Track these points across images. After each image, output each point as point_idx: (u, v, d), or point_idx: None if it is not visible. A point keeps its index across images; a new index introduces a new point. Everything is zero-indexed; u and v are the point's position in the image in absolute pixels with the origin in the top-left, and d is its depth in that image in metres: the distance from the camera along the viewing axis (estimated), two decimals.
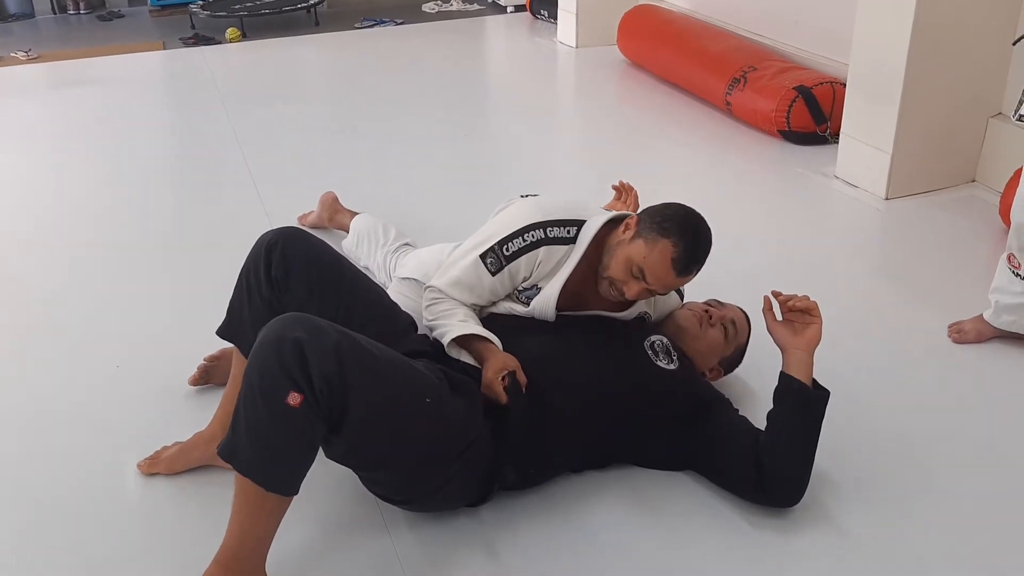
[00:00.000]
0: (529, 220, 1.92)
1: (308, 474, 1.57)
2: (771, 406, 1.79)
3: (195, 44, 6.06)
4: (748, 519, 1.78)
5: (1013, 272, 2.24)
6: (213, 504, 1.85)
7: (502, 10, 6.65)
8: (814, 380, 1.78)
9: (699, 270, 1.87)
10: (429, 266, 2.20)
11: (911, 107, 3.06)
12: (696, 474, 1.88)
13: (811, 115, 3.70)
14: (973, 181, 3.30)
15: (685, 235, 1.82)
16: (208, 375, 2.22)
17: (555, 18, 5.74)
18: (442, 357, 1.86)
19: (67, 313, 2.63)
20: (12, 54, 5.87)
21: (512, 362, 1.79)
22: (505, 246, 1.90)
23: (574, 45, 5.46)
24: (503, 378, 1.75)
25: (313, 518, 1.80)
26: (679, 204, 1.89)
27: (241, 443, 1.51)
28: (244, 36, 6.15)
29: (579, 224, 1.94)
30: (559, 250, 1.91)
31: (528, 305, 1.96)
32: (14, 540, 1.79)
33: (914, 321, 2.46)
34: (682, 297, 2.17)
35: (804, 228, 3.08)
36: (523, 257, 1.90)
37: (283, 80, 5.13)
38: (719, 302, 2.12)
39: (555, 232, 1.91)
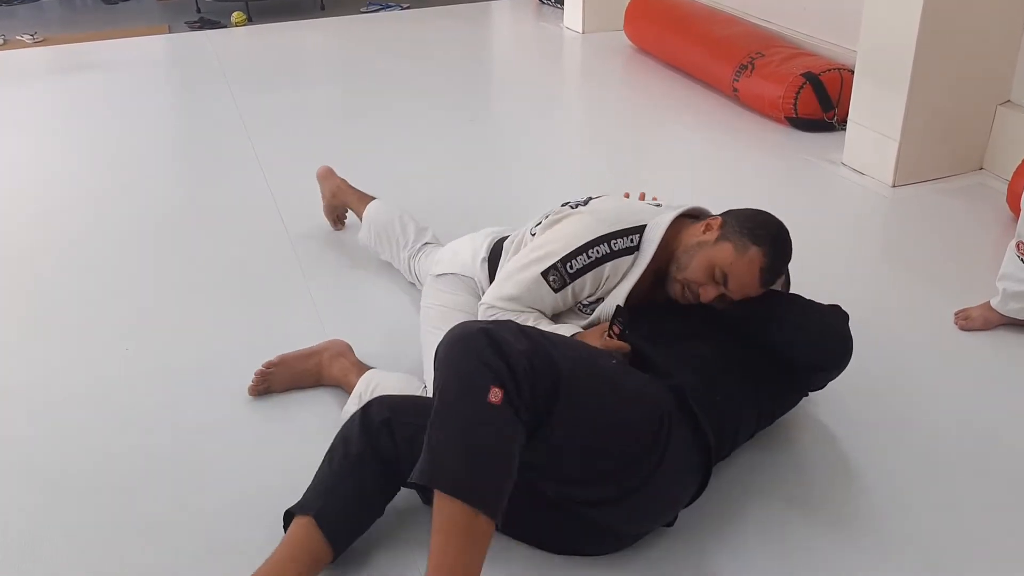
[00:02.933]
0: (593, 234, 1.85)
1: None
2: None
3: (200, 28, 6.06)
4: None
5: (1022, 260, 2.23)
6: (219, 483, 1.88)
7: None
8: None
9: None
10: (465, 258, 2.18)
11: (919, 94, 3.05)
12: None
13: (818, 102, 3.69)
14: (981, 169, 3.29)
15: (776, 245, 1.80)
16: (267, 382, 2.12)
17: (561, 3, 5.72)
18: None
19: (75, 296, 2.64)
20: (17, 37, 5.87)
21: (601, 327, 1.81)
22: (569, 263, 1.84)
23: (580, 30, 5.45)
24: (608, 335, 1.76)
25: None
26: (767, 212, 1.86)
27: (441, 460, 1.37)
28: (250, 20, 6.16)
29: (640, 230, 1.87)
30: (625, 261, 1.86)
31: (590, 315, 1.90)
32: (27, 520, 1.81)
33: (920, 308, 2.46)
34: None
35: (810, 215, 3.08)
36: (589, 274, 1.84)
37: (289, 64, 5.12)
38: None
39: (619, 244, 1.85)
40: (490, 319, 1.84)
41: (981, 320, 2.36)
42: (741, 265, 1.76)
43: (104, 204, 3.28)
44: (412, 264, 2.50)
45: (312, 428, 2.02)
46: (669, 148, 3.76)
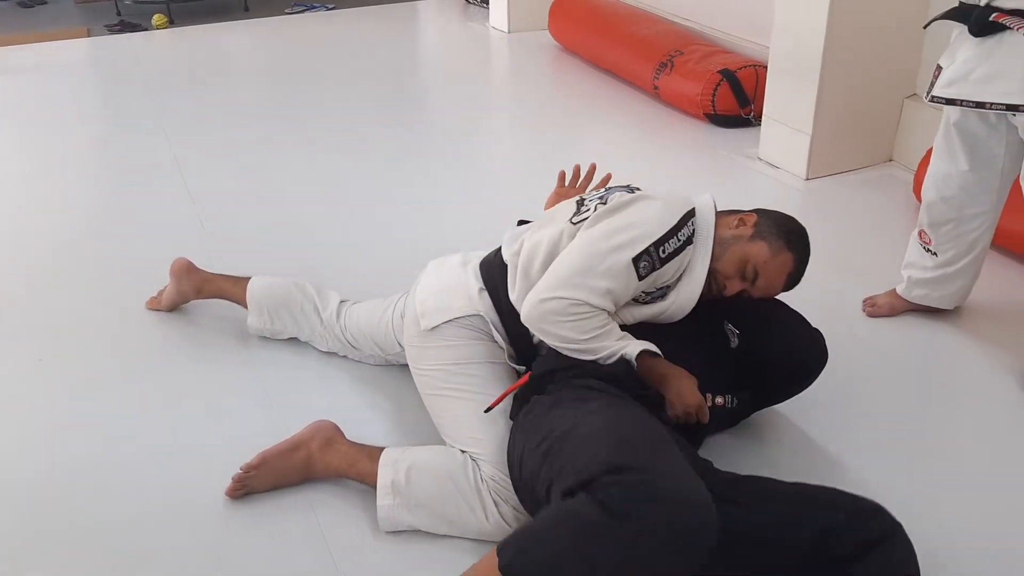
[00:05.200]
0: (676, 216, 1.73)
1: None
2: None
3: (121, 31, 5.94)
4: None
5: (924, 248, 2.32)
6: (138, 492, 1.86)
7: None
8: None
9: None
10: (457, 300, 1.89)
11: (829, 89, 3.14)
12: None
13: (735, 98, 3.77)
14: (890, 160, 3.40)
15: (804, 253, 1.84)
16: (247, 486, 1.82)
17: (487, 3, 5.75)
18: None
19: None
20: None
21: (697, 388, 1.73)
22: (662, 247, 1.70)
23: (506, 30, 5.48)
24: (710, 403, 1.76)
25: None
26: (797, 220, 1.88)
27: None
28: (172, 22, 6.05)
29: (693, 213, 1.79)
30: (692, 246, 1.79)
31: (649, 304, 1.81)
32: None
33: (831, 296, 2.53)
34: None
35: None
36: (676, 258, 1.73)
37: (212, 67, 5.05)
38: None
39: (691, 227, 1.76)
40: (579, 317, 1.68)
41: (888, 307, 2.44)
42: (773, 266, 1.80)
43: (22, 211, 3.21)
44: (340, 327, 2.21)
45: (238, 428, 2.02)
46: (594, 146, 3.80)
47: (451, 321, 1.87)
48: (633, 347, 1.71)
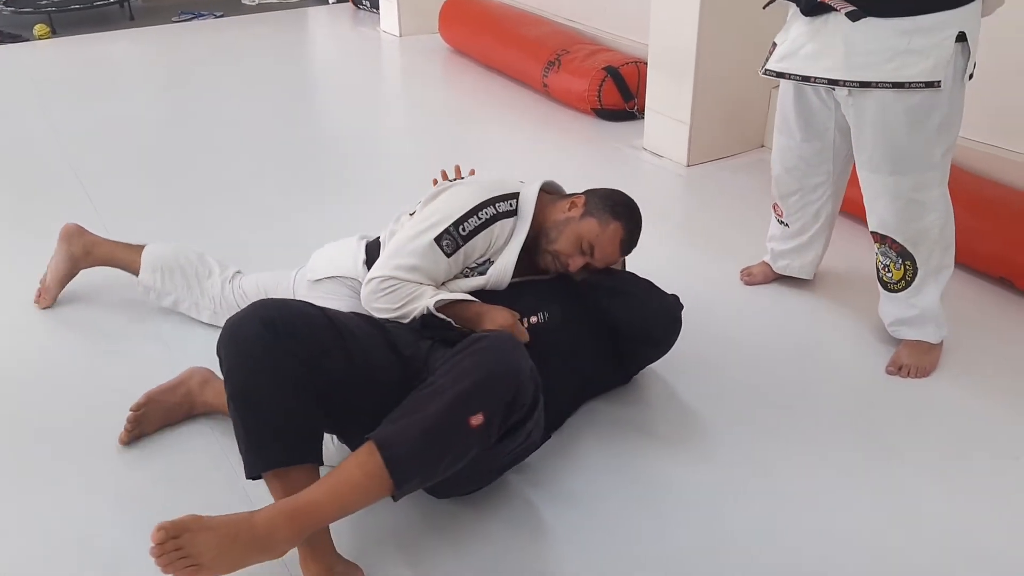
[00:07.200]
0: (479, 198, 1.98)
1: None
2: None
3: (1, 42, 5.80)
4: None
5: (778, 220, 2.56)
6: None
7: (324, 0, 6.70)
8: None
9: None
10: (344, 262, 2.18)
11: (704, 82, 3.40)
12: None
13: (620, 93, 4.01)
14: (762, 146, 3.69)
15: (631, 219, 2.07)
16: (139, 426, 2.00)
17: (377, 8, 5.85)
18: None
19: None
20: None
21: (510, 312, 1.90)
22: (461, 226, 1.95)
23: (397, 34, 5.60)
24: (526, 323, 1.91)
25: None
26: (621, 191, 2.11)
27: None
28: (54, 33, 5.95)
29: (516, 196, 2.05)
30: (508, 223, 2.02)
31: (481, 276, 2.03)
32: None
33: (713, 268, 2.78)
34: None
35: None
36: (480, 235, 1.97)
37: (102, 77, 5.01)
38: None
39: (502, 206, 2.00)
40: (387, 291, 1.91)
41: (761, 275, 2.69)
42: (605, 237, 2.03)
43: None
44: (231, 289, 2.39)
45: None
46: (488, 143, 3.97)
47: (334, 277, 2.18)
48: (432, 300, 1.90)
